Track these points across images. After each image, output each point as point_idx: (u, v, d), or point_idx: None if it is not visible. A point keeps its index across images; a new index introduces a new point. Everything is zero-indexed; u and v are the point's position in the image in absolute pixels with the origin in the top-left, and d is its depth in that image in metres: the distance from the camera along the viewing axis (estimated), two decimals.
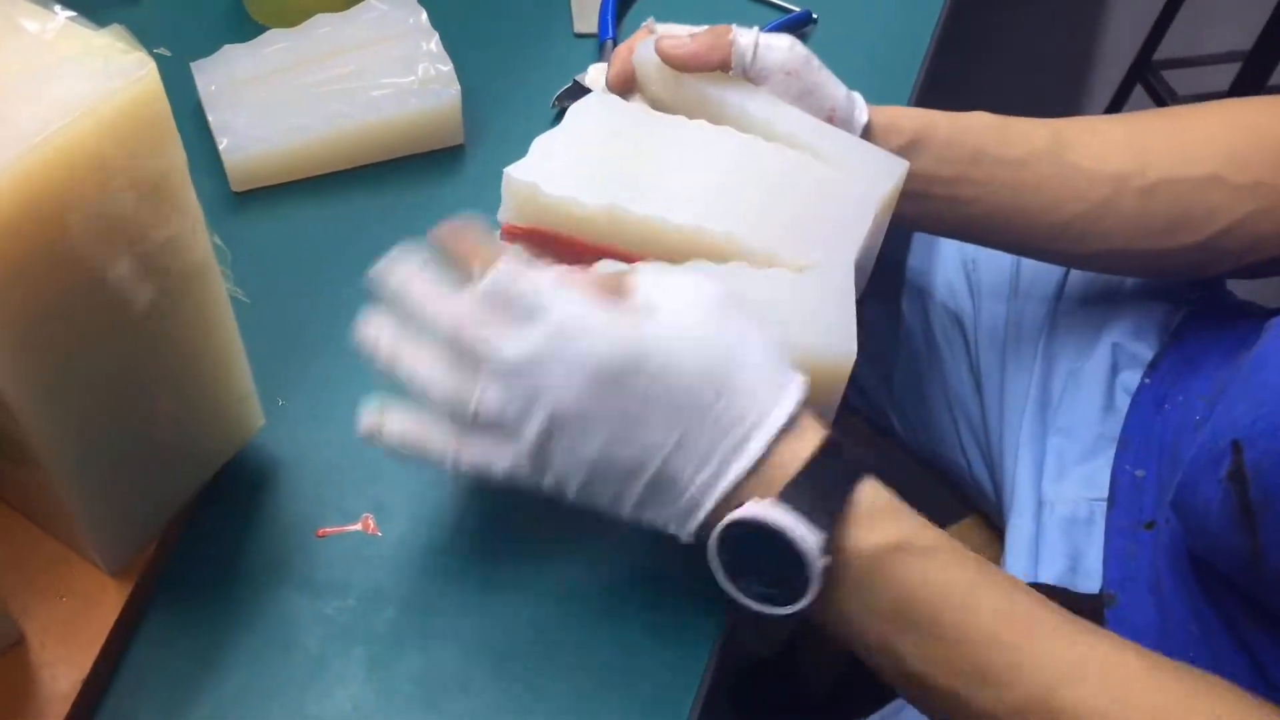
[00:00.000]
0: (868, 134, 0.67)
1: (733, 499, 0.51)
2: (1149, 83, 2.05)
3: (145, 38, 0.84)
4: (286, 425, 0.65)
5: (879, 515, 0.51)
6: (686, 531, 0.53)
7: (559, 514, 0.56)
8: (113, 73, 0.45)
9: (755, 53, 0.65)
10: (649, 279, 0.54)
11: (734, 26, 0.65)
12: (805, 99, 0.66)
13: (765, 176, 0.65)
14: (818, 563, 0.49)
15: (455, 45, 0.80)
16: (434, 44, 0.78)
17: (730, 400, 0.50)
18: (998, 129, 0.69)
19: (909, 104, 0.87)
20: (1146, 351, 0.78)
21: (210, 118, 0.75)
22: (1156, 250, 0.70)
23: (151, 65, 0.46)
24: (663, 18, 0.89)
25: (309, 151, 0.75)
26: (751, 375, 0.51)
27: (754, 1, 0.92)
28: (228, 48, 0.78)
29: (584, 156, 0.66)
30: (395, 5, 0.80)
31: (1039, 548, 0.73)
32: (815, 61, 0.67)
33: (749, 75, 0.66)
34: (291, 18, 0.80)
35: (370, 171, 0.78)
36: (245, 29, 0.85)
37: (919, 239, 0.90)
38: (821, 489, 0.50)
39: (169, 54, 0.83)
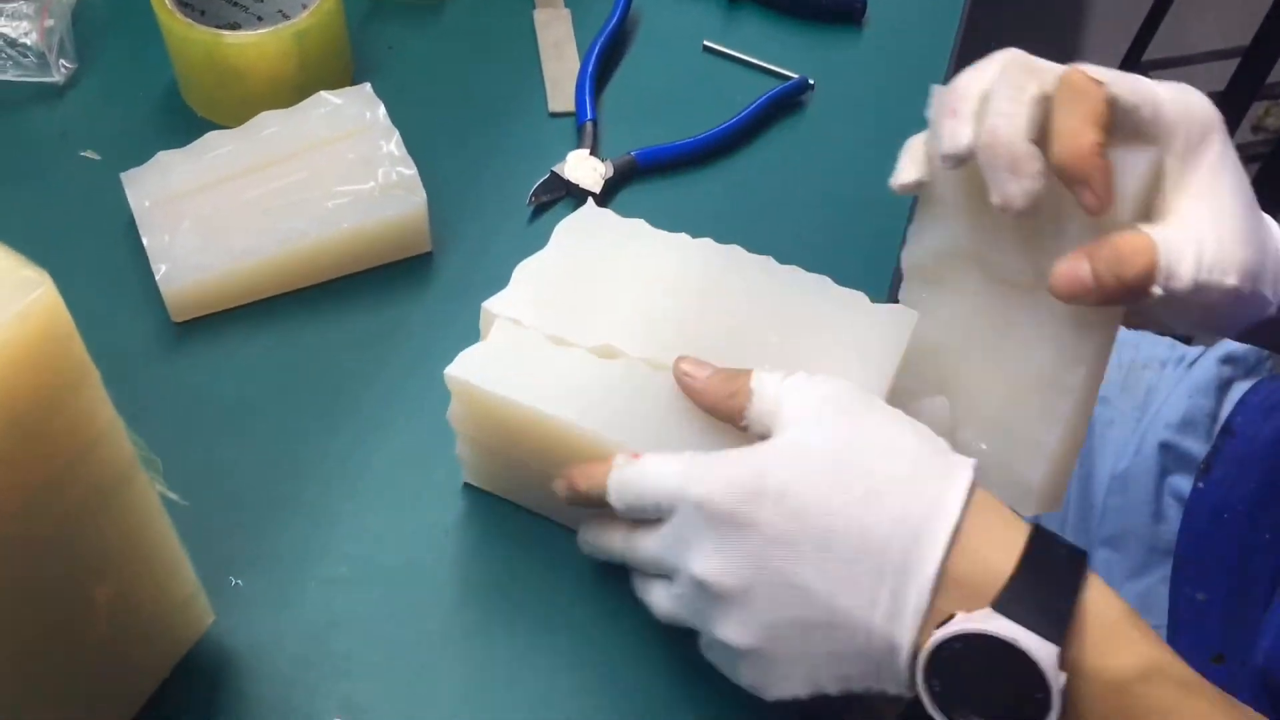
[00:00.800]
0: None
1: (932, 622, 0.42)
2: None
3: (71, 138, 0.77)
4: (242, 610, 0.57)
5: (1120, 629, 0.42)
6: (900, 681, 0.43)
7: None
8: (2, 298, 0.37)
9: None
10: (772, 383, 0.48)
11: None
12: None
13: (780, 313, 0.57)
14: (1058, 680, 0.40)
15: (419, 134, 0.72)
16: (395, 143, 0.70)
17: (881, 505, 0.42)
18: None
19: None
20: (1196, 448, 0.71)
21: (145, 241, 0.66)
22: None
23: (47, 283, 0.37)
24: (644, 91, 0.82)
25: (258, 275, 0.67)
26: (905, 468, 0.43)
27: (750, 69, 0.84)
28: (162, 155, 0.70)
29: (573, 286, 0.58)
30: (349, 98, 0.71)
31: None
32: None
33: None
34: (234, 112, 0.72)
35: (328, 289, 0.69)
36: (182, 124, 0.76)
37: None
38: (1044, 592, 0.41)
39: (97, 158, 0.75)
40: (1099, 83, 0.46)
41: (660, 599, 0.49)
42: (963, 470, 0.44)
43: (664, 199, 0.76)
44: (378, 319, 0.69)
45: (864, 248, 0.73)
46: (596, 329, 0.56)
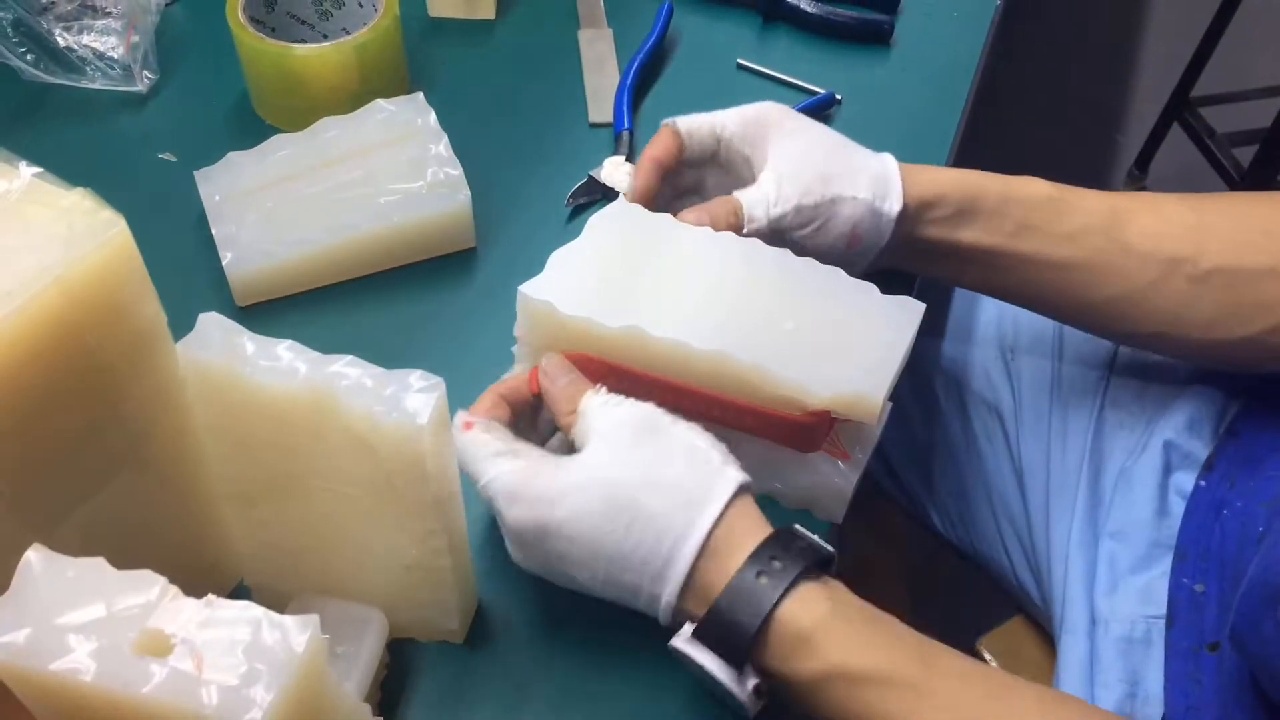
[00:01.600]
0: (907, 207, 0.66)
1: (682, 613, 0.53)
2: (1186, 121, 2.00)
3: (151, 141, 0.84)
4: None
5: (807, 640, 0.50)
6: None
7: None
8: (80, 236, 0.42)
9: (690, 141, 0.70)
10: (591, 407, 0.56)
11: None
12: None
13: (795, 302, 0.62)
14: (743, 694, 0.51)
15: (466, 140, 0.78)
16: (443, 146, 0.75)
17: (643, 530, 0.52)
18: (1051, 202, 0.67)
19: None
20: (1200, 449, 0.74)
21: (214, 231, 0.73)
22: (1204, 340, 0.67)
23: (121, 224, 0.43)
24: (679, 103, 0.87)
25: (315, 264, 0.73)
26: (664, 498, 0.52)
27: (778, 85, 0.89)
28: (232, 155, 0.76)
29: (603, 272, 0.63)
30: (403, 106, 0.77)
31: (1094, 670, 0.68)
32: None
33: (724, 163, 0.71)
34: (298, 119, 0.78)
35: (379, 280, 0.75)
36: (251, 130, 0.83)
37: (954, 327, 0.86)
38: (735, 619, 0.50)
39: (174, 159, 0.81)
40: (671, 124, 0.69)
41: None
42: (722, 488, 0.53)
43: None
44: (425, 307, 0.74)
45: None
46: (624, 313, 0.61)
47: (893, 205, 0.65)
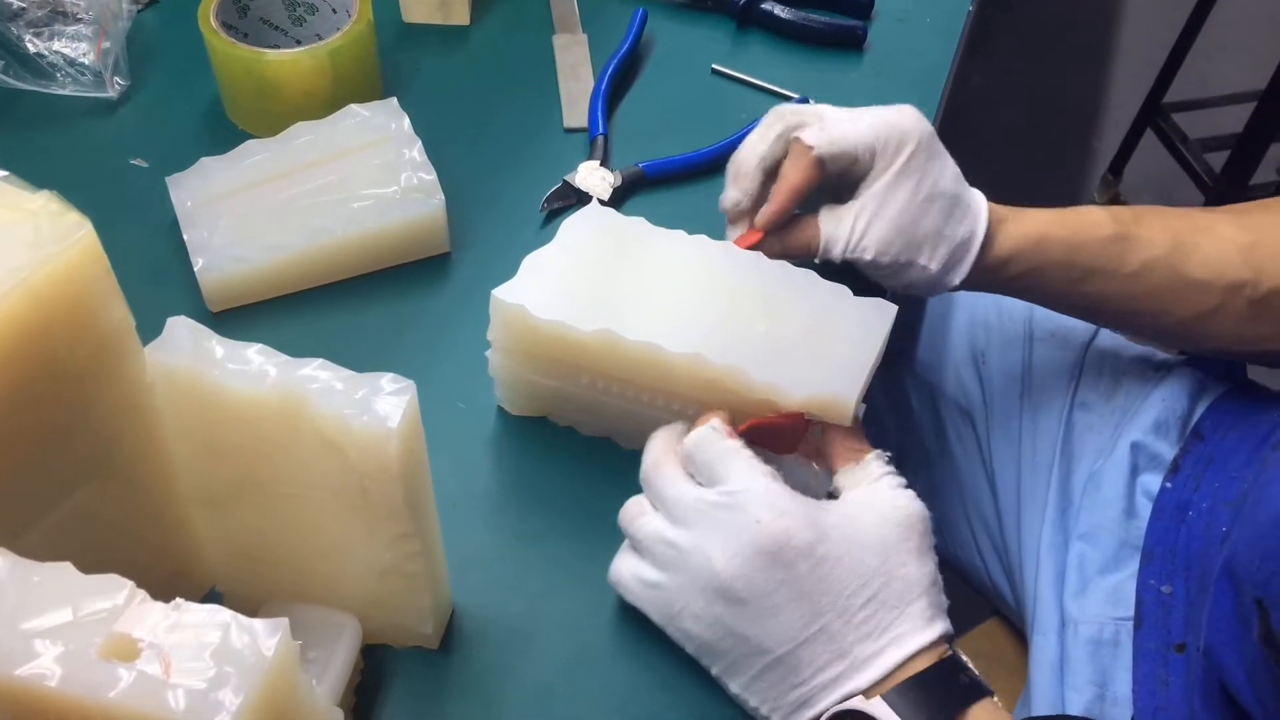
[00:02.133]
0: (974, 270, 0.67)
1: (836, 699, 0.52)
2: (1159, 126, 2.02)
3: (123, 146, 0.84)
4: None
5: None
6: None
7: None
8: (46, 239, 0.42)
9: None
10: (849, 483, 0.57)
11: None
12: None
13: (769, 304, 0.62)
14: None
15: (440, 146, 0.78)
16: (417, 151, 0.75)
17: (879, 613, 0.52)
18: (1116, 243, 0.67)
19: None
20: (1167, 450, 0.74)
21: (186, 236, 0.72)
22: (1266, 349, 0.70)
23: (88, 227, 0.43)
24: (654, 108, 0.88)
25: (288, 269, 0.73)
26: (909, 598, 0.52)
27: (755, 91, 0.89)
28: (205, 160, 0.76)
29: (577, 275, 0.63)
30: (376, 111, 0.77)
31: (1065, 672, 0.69)
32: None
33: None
34: (271, 125, 0.78)
35: (354, 285, 0.75)
36: (224, 136, 0.82)
37: (928, 330, 0.87)
38: (934, 700, 0.51)
39: (146, 165, 0.81)
40: (810, 147, 0.64)
41: (633, 569, 0.57)
42: (940, 625, 0.53)
43: (669, 207, 0.81)
44: (399, 311, 0.74)
45: None
46: (598, 316, 0.61)
47: (955, 278, 0.67)
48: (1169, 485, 0.72)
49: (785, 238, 0.66)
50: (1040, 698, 0.69)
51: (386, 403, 0.48)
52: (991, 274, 0.67)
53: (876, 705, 0.50)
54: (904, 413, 0.88)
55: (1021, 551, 0.78)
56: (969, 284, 0.67)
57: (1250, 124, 1.81)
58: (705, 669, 0.56)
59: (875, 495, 0.55)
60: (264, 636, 0.40)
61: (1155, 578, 0.69)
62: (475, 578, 0.62)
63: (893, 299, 0.63)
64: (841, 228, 0.65)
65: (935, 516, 0.87)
